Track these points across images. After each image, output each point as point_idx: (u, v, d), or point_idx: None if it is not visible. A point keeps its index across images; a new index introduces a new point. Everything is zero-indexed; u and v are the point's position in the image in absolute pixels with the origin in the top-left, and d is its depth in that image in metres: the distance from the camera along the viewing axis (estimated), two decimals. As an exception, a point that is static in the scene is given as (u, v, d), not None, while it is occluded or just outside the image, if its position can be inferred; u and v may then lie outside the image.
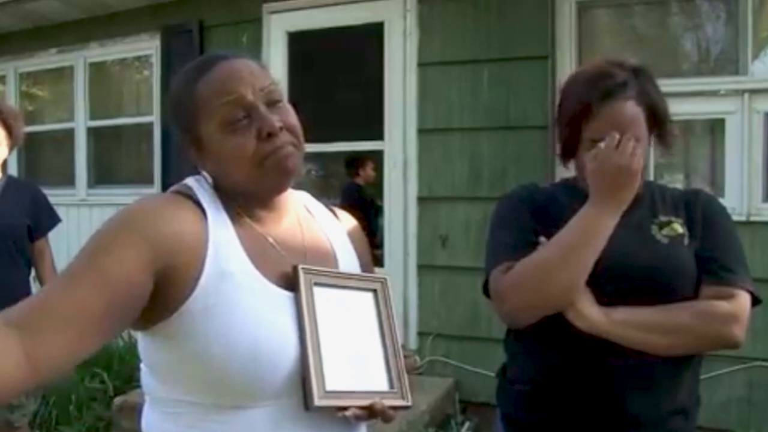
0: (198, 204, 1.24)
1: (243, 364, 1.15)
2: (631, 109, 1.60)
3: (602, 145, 1.57)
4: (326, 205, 1.52)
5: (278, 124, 1.23)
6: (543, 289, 1.55)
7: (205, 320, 1.16)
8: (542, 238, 1.61)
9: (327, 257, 1.38)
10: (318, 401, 1.17)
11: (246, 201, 1.29)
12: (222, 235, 1.22)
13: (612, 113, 1.59)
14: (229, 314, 1.17)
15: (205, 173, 1.32)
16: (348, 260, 1.42)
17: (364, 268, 1.46)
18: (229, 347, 1.15)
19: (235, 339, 1.16)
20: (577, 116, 1.64)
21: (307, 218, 1.42)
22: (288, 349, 1.19)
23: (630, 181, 1.56)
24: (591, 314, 1.54)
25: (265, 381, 1.18)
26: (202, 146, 1.26)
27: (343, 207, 1.58)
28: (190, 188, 1.28)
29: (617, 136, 1.55)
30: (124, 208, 1.19)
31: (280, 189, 1.30)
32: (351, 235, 1.48)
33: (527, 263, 1.58)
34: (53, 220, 3.51)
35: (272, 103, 1.26)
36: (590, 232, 1.55)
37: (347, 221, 1.52)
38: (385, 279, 1.39)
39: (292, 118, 1.28)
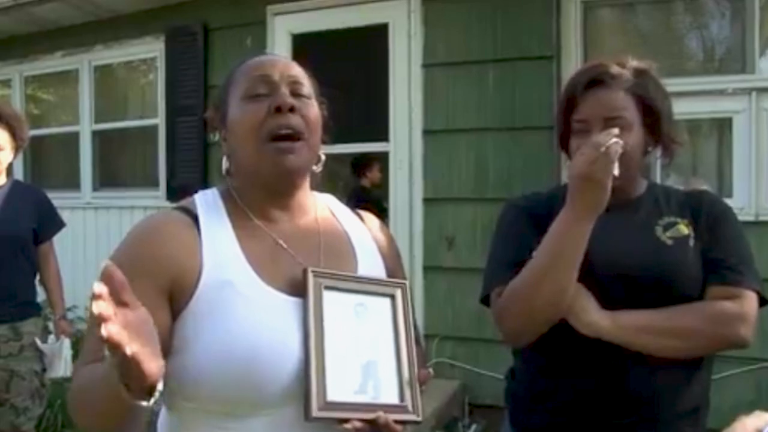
0: (195, 218, 1.25)
1: (238, 373, 1.14)
2: (619, 99, 1.59)
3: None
4: (352, 209, 1.50)
5: (291, 103, 1.26)
6: (530, 309, 1.55)
7: (200, 328, 1.16)
8: (535, 253, 1.59)
9: (346, 260, 1.35)
10: (316, 412, 1.12)
11: (260, 196, 1.29)
12: (221, 245, 1.23)
13: (596, 99, 1.59)
14: (223, 322, 1.16)
15: (215, 189, 1.34)
16: (370, 264, 1.38)
17: (391, 272, 1.41)
18: (222, 355, 1.14)
19: (228, 347, 1.15)
20: (566, 105, 1.64)
21: (329, 220, 1.40)
22: (288, 356, 1.17)
23: (588, 187, 1.48)
24: (597, 320, 1.54)
25: (264, 389, 1.16)
26: (227, 121, 1.31)
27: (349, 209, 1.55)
28: (192, 201, 1.30)
29: (587, 147, 1.49)
30: (123, 243, 1.25)
31: (279, 178, 1.28)
32: (377, 239, 1.45)
33: (513, 287, 1.58)
34: (58, 224, 3.52)
35: (297, 95, 1.30)
36: (564, 240, 1.52)
37: (374, 225, 1.48)
38: (405, 284, 1.33)
39: (311, 112, 1.31)
